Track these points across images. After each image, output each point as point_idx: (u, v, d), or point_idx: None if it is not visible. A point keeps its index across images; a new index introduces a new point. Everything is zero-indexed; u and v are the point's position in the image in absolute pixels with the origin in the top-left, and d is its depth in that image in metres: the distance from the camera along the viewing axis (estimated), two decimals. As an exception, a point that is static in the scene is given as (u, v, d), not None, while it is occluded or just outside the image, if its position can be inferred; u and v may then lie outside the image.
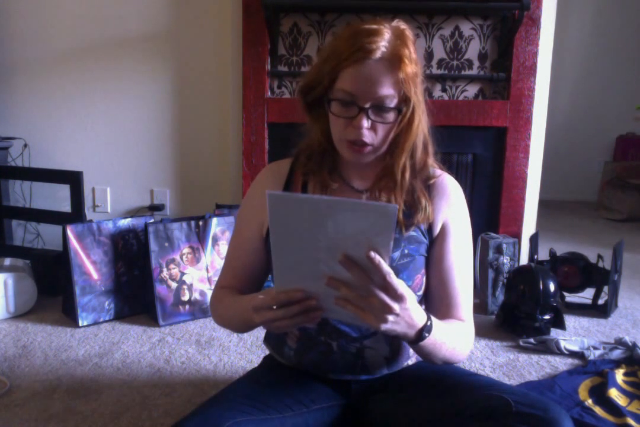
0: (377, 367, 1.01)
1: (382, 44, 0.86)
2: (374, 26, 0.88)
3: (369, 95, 0.86)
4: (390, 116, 0.89)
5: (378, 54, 0.85)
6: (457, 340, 0.91)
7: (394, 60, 0.86)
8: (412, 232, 0.97)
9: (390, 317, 0.74)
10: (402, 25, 0.90)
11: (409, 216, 0.96)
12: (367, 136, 0.89)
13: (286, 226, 0.68)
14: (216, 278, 1.99)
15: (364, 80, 0.86)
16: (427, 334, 0.81)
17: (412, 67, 0.88)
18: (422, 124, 0.94)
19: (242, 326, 0.98)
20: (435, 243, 0.99)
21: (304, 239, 0.68)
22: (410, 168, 0.96)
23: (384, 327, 0.75)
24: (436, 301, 0.99)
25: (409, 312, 0.76)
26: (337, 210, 0.65)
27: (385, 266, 0.69)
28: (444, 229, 0.99)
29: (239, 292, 1.02)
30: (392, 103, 0.88)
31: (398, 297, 0.72)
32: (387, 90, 0.86)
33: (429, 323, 0.82)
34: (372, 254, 0.68)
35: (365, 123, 0.88)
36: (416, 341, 0.82)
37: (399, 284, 0.72)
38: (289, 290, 0.74)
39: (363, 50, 0.85)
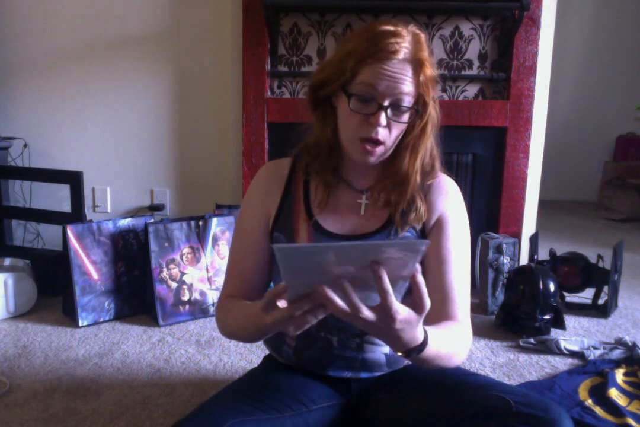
0: (377, 363, 1.01)
1: (405, 45, 0.88)
2: (392, 28, 0.89)
3: (390, 92, 0.87)
4: (406, 117, 0.91)
5: (401, 55, 0.87)
6: (453, 348, 0.86)
7: (417, 63, 0.88)
8: (406, 233, 0.97)
9: (373, 331, 0.71)
10: (417, 30, 0.92)
11: (405, 215, 0.97)
12: (382, 134, 0.90)
13: (298, 270, 0.67)
14: (216, 278, 2.00)
15: (388, 77, 0.87)
16: (415, 355, 0.76)
17: (432, 71, 0.91)
18: (434, 129, 0.96)
19: (255, 335, 0.91)
20: (429, 238, 0.98)
21: (318, 274, 0.67)
22: (420, 171, 0.97)
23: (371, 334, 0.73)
24: (430, 296, 0.96)
25: (397, 333, 0.71)
26: (356, 255, 0.64)
27: (387, 284, 0.65)
28: (439, 223, 0.98)
29: (246, 300, 0.98)
30: (410, 104, 0.90)
31: (389, 318, 0.68)
32: (408, 90, 0.88)
33: (421, 346, 0.75)
34: (380, 270, 0.64)
35: (383, 120, 0.88)
36: (404, 356, 0.77)
37: (395, 304, 0.67)
38: (302, 297, 0.70)
39: (387, 51, 0.87)
